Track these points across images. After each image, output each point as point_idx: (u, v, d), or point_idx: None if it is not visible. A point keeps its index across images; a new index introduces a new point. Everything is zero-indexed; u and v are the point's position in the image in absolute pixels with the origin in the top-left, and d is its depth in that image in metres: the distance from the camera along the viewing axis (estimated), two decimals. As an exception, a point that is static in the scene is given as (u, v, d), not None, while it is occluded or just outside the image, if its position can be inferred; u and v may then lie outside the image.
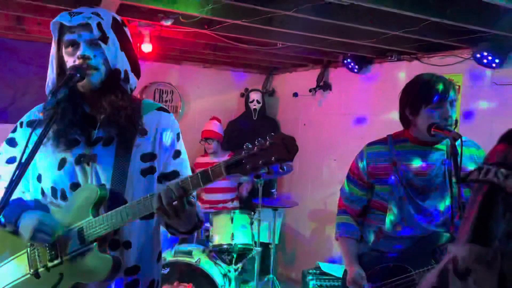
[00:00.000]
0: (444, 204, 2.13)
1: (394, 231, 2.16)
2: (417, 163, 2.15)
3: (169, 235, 3.72)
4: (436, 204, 2.13)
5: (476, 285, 0.78)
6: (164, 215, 1.46)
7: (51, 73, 1.65)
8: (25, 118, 1.73)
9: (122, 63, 1.62)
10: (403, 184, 2.14)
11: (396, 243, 2.17)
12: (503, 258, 0.73)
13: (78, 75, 1.52)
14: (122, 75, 1.62)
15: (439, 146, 2.17)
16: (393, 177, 2.16)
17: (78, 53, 1.55)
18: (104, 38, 1.57)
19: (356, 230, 2.31)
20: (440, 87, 2.08)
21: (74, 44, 1.57)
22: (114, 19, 1.63)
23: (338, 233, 2.35)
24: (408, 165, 2.16)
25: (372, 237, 2.25)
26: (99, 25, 1.56)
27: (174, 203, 1.43)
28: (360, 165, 2.26)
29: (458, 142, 1.93)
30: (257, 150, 1.37)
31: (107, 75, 1.59)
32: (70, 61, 1.58)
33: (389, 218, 2.17)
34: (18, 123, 1.73)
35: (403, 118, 2.22)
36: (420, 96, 2.11)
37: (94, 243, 1.54)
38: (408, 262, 2.11)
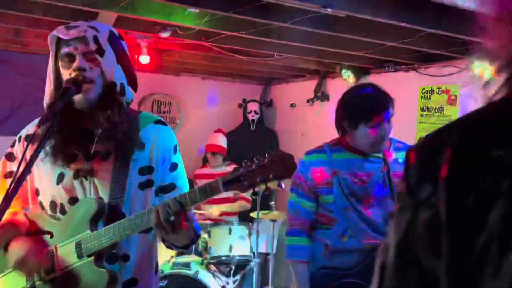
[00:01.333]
0: (387, 212, 2.11)
1: (341, 243, 2.13)
2: (356, 171, 2.13)
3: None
4: (379, 213, 2.12)
5: None
6: (162, 231, 1.46)
7: (49, 87, 1.65)
8: (23, 132, 1.73)
9: (118, 76, 1.62)
10: (345, 194, 2.12)
11: (345, 257, 2.12)
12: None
13: (74, 87, 1.52)
14: (118, 88, 1.62)
15: (378, 154, 2.15)
16: (335, 187, 2.13)
17: (74, 65, 1.56)
18: (100, 51, 1.57)
19: (308, 251, 2.21)
20: (378, 105, 2.06)
21: (70, 57, 1.57)
22: (111, 32, 1.64)
23: (288, 256, 2.26)
24: (347, 174, 2.13)
25: (320, 254, 2.19)
26: (95, 38, 1.56)
27: (171, 218, 1.43)
28: (305, 176, 2.20)
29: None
30: (256, 167, 1.38)
31: (103, 89, 1.59)
32: (66, 74, 1.58)
33: (335, 229, 2.14)
34: (16, 138, 1.73)
35: (339, 127, 2.20)
36: (360, 112, 2.08)
37: (91, 257, 1.53)
38: (360, 277, 2.07)
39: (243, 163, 1.41)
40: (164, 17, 3.00)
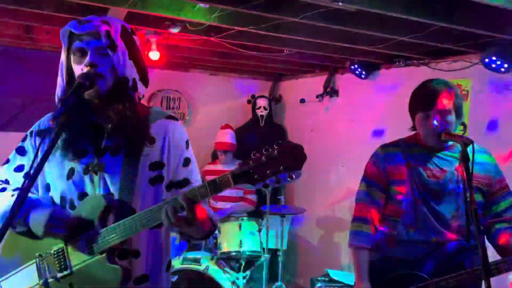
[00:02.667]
0: (457, 211, 2.11)
1: (407, 234, 2.15)
2: (430, 167, 2.15)
3: (177, 241, 3.73)
4: (449, 209, 2.12)
5: None
6: (175, 227, 1.46)
7: (61, 82, 1.66)
8: (35, 128, 1.74)
9: (130, 72, 1.62)
10: (418, 186, 2.14)
11: (409, 249, 2.14)
12: None
13: (88, 83, 1.53)
14: (130, 84, 1.62)
15: (451, 152, 2.17)
16: (408, 178, 2.15)
17: (86, 60, 1.56)
18: (113, 46, 1.57)
19: (370, 238, 2.24)
20: (427, 96, 2.09)
21: (82, 52, 1.57)
22: (123, 27, 1.63)
23: (351, 240, 2.30)
24: (422, 168, 2.16)
25: (384, 244, 2.22)
26: (107, 33, 1.56)
27: (183, 213, 1.43)
28: (379, 165, 2.24)
29: (470, 148, 1.91)
30: (265, 160, 1.35)
31: (114, 83, 1.59)
32: (77, 69, 1.58)
33: (402, 220, 2.16)
34: (28, 132, 1.74)
35: (413, 123, 2.23)
36: (413, 101, 2.16)
37: (104, 254, 1.54)
38: (422, 269, 2.08)
39: (252, 155, 1.38)
40: (174, 13, 3.00)
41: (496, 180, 2.16)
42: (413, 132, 2.27)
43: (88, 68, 1.55)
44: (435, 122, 2.06)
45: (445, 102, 2.07)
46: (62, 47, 1.65)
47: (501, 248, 2.10)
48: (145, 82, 1.71)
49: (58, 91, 1.66)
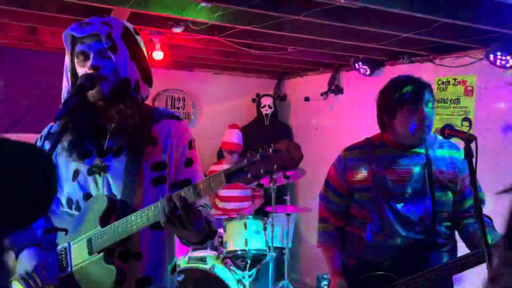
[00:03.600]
0: (423, 210, 2.08)
1: (375, 241, 2.13)
2: (396, 168, 2.11)
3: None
4: (415, 209, 2.09)
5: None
6: (170, 226, 1.43)
7: (66, 84, 1.67)
8: (44, 132, 1.75)
9: (133, 73, 1.62)
10: (382, 193, 2.10)
11: (379, 253, 2.12)
12: None
13: (88, 83, 1.53)
14: (133, 85, 1.62)
15: (418, 149, 2.13)
16: (372, 184, 2.12)
17: (88, 63, 1.57)
18: (114, 48, 1.57)
19: (337, 238, 2.27)
20: (413, 88, 2.05)
21: (85, 55, 1.58)
22: (124, 28, 1.64)
23: (319, 241, 2.33)
24: (386, 172, 2.11)
25: (354, 245, 2.21)
26: (108, 35, 1.57)
27: (178, 213, 1.40)
28: (339, 172, 2.23)
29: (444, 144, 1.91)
30: (259, 158, 1.32)
31: (116, 84, 1.59)
32: (81, 72, 1.60)
33: (370, 227, 2.14)
34: (38, 137, 1.76)
35: (380, 122, 2.19)
36: (394, 98, 2.07)
37: (101, 253, 1.53)
38: (394, 271, 2.06)
39: (247, 153, 1.35)
40: (177, 13, 3.00)
41: (462, 176, 2.12)
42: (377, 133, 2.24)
43: (91, 71, 1.56)
44: (425, 114, 2.02)
45: (429, 95, 2.06)
46: (62, 48, 1.66)
47: (471, 242, 2.08)
48: (149, 82, 1.70)
49: (64, 93, 1.67)
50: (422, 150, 2.12)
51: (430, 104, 2.06)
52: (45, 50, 4.49)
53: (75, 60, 1.61)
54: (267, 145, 1.35)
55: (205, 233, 1.59)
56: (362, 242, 2.16)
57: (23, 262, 1.58)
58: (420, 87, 2.07)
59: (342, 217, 2.28)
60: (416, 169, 2.10)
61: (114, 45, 1.57)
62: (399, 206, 2.09)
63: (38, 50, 4.54)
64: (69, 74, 1.65)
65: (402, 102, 2.05)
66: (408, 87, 2.07)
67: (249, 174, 1.33)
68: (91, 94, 1.57)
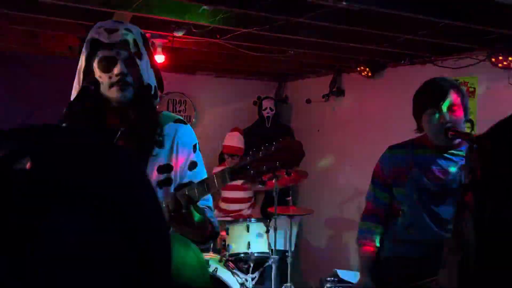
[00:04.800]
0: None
1: (405, 234, 2.19)
2: (432, 168, 2.17)
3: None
4: (447, 209, 2.14)
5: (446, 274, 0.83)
6: (173, 224, 1.46)
7: (77, 86, 1.67)
8: None
9: (152, 79, 1.66)
10: (417, 189, 2.16)
11: (411, 248, 2.17)
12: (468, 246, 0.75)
13: (92, 87, 1.55)
14: (153, 91, 1.66)
15: (456, 151, 2.17)
16: (409, 181, 2.19)
17: (116, 70, 1.57)
18: (139, 55, 1.61)
19: (376, 236, 2.32)
20: (433, 92, 2.10)
21: (111, 60, 1.58)
22: (143, 35, 1.68)
23: (358, 237, 2.40)
24: (424, 170, 2.17)
25: (388, 243, 2.28)
26: (134, 42, 1.60)
27: (182, 211, 1.43)
28: (384, 167, 2.31)
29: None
30: (262, 156, 1.36)
31: (137, 90, 1.62)
32: (104, 77, 1.59)
33: (401, 220, 2.21)
34: None
35: (417, 125, 2.24)
36: (418, 101, 2.15)
37: None
38: (424, 268, 2.10)
39: (250, 152, 1.39)
40: (179, 16, 3.01)
41: None
42: (420, 134, 2.28)
43: (118, 77, 1.57)
44: (446, 117, 2.05)
45: (454, 97, 2.08)
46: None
47: None
48: (161, 88, 1.75)
49: (73, 95, 1.68)
50: (462, 152, 2.16)
51: (454, 107, 2.07)
52: (46, 54, 4.50)
53: (96, 64, 1.60)
54: (270, 143, 1.37)
55: (208, 233, 1.62)
56: (394, 240, 2.24)
57: None
58: (442, 90, 2.10)
59: (385, 213, 2.34)
60: (453, 170, 2.15)
61: (139, 52, 1.61)
62: (432, 203, 2.15)
63: (40, 54, 4.55)
64: (81, 76, 1.65)
65: (423, 105, 2.12)
66: (429, 90, 2.12)
67: (252, 171, 1.36)
68: (116, 99, 1.58)
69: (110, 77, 1.58)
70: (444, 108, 2.06)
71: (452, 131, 1.99)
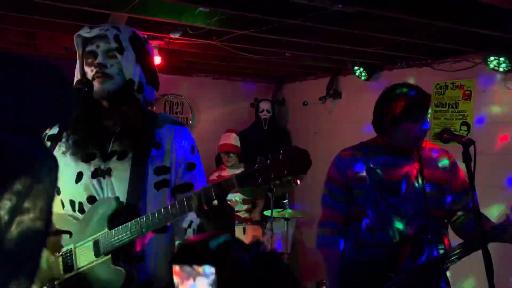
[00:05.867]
0: (419, 208, 2.15)
1: (371, 236, 2.18)
2: (390, 167, 2.20)
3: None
4: (410, 207, 2.15)
5: None
6: (204, 217, 1.45)
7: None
8: (47, 132, 1.75)
9: (137, 75, 1.66)
10: (378, 187, 2.17)
11: (375, 251, 2.16)
12: None
13: (86, 88, 1.57)
14: (136, 86, 1.65)
15: (409, 152, 2.22)
16: (368, 181, 2.19)
17: (95, 62, 1.61)
18: (121, 49, 1.62)
19: (338, 242, 2.29)
20: (419, 101, 2.14)
21: (92, 54, 1.63)
22: (134, 33, 1.69)
23: (318, 245, 2.36)
24: (382, 169, 2.20)
25: (350, 249, 2.25)
26: (116, 36, 1.62)
27: (214, 202, 1.43)
28: (341, 170, 2.29)
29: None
30: (270, 163, 1.38)
31: (120, 85, 1.63)
32: (88, 71, 1.64)
33: (365, 221, 2.20)
34: None
35: (378, 126, 2.26)
36: (402, 111, 2.13)
37: (109, 255, 1.54)
38: (388, 269, 2.11)
39: (257, 159, 1.41)
40: (175, 17, 3.00)
41: (455, 178, 2.24)
42: (373, 136, 2.33)
43: (97, 68, 1.60)
44: (424, 128, 2.13)
45: (429, 110, 2.18)
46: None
47: (468, 236, 2.16)
48: (155, 85, 1.75)
49: None
50: (412, 152, 2.22)
51: (429, 115, 2.14)
52: (43, 54, 4.49)
53: (85, 62, 1.66)
54: (266, 149, 1.39)
55: (233, 230, 1.61)
56: (358, 245, 2.22)
57: None
58: (426, 99, 2.16)
59: (344, 217, 2.32)
60: (409, 167, 2.18)
61: (121, 47, 1.63)
62: (393, 201, 2.16)
63: (36, 55, 4.54)
64: (79, 76, 1.68)
65: (409, 116, 2.12)
66: (414, 98, 2.14)
67: (260, 179, 1.38)
68: (97, 92, 1.60)
69: (91, 70, 1.62)
70: (423, 121, 2.12)
71: (447, 134, 2.00)
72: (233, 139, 4.90)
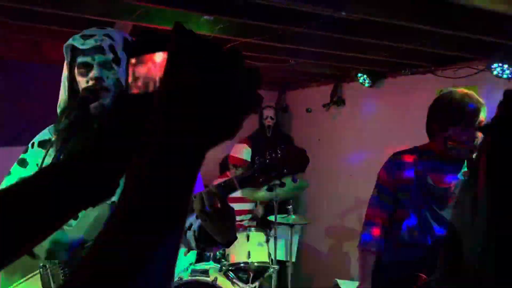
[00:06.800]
0: None
1: (410, 237, 2.23)
2: (439, 174, 2.23)
3: (185, 253, 3.69)
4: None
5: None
6: (206, 219, 1.43)
7: (63, 94, 1.68)
8: (36, 139, 1.75)
9: None
10: (423, 192, 2.21)
11: (414, 252, 2.21)
12: None
13: (92, 96, 1.55)
14: None
15: (461, 158, 2.24)
16: (414, 185, 2.23)
17: (91, 74, 1.58)
18: (117, 60, 1.60)
19: (378, 242, 2.34)
20: (471, 110, 2.15)
21: (87, 66, 1.60)
22: (125, 39, 1.66)
23: (360, 243, 2.41)
24: (430, 175, 2.23)
25: (390, 248, 2.31)
26: (111, 47, 1.59)
27: (218, 205, 1.41)
28: (390, 172, 2.34)
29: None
30: (269, 163, 1.40)
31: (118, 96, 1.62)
32: (82, 82, 1.61)
33: (406, 223, 2.25)
34: (29, 144, 1.75)
35: (429, 130, 2.28)
36: (450, 116, 2.17)
37: None
38: (423, 271, 2.13)
39: (255, 159, 1.42)
40: (179, 25, 3.02)
41: None
42: (427, 141, 2.34)
43: (94, 81, 1.57)
44: (475, 135, 2.14)
45: (482, 115, 2.18)
46: (63, 59, 1.68)
47: None
48: None
49: (60, 103, 1.69)
50: (464, 159, 2.23)
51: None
52: (47, 62, 4.52)
53: (76, 71, 1.62)
54: (275, 151, 1.42)
55: (234, 233, 1.57)
56: (398, 244, 2.27)
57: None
58: (477, 108, 2.17)
59: (388, 218, 2.36)
60: (457, 175, 2.22)
61: (117, 57, 1.60)
62: (436, 206, 2.21)
63: (42, 64, 4.57)
64: (66, 84, 1.66)
65: (456, 122, 2.15)
66: (467, 108, 2.16)
67: (260, 179, 1.40)
68: (93, 107, 1.58)
69: (87, 82, 1.59)
70: (476, 125, 2.15)
71: (450, 141, 2.02)
72: (245, 154, 4.88)
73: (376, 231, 2.36)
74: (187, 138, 0.53)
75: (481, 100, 2.24)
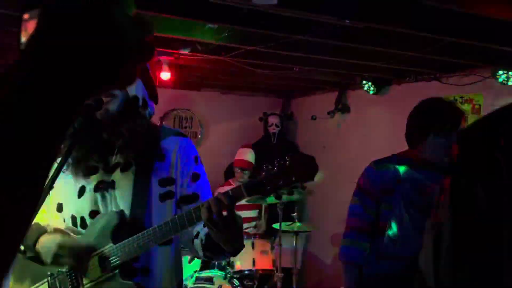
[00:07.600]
0: None
1: (392, 248, 2.18)
2: (420, 183, 2.18)
3: (189, 261, 3.68)
4: None
5: None
6: (213, 228, 1.43)
7: None
8: None
9: (140, 90, 1.65)
10: (405, 202, 2.17)
11: (395, 264, 2.17)
12: None
13: (95, 104, 1.55)
14: (140, 102, 1.65)
15: (441, 166, 2.19)
16: (397, 195, 2.19)
17: None
18: None
19: (361, 254, 2.27)
20: (451, 116, 2.14)
21: None
22: None
23: (342, 256, 2.34)
24: (411, 184, 2.19)
25: (373, 260, 2.25)
26: None
27: (224, 214, 1.41)
28: (372, 181, 2.28)
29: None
30: (277, 171, 1.38)
31: (124, 102, 1.61)
32: None
33: (388, 234, 2.20)
34: None
35: (410, 138, 2.26)
36: (430, 123, 2.15)
37: (117, 270, 1.53)
38: (406, 283, 2.10)
39: (264, 166, 1.40)
40: (184, 34, 3.04)
41: None
42: (405, 149, 2.32)
43: None
44: (449, 144, 2.11)
45: (462, 123, 2.15)
46: None
47: None
48: (154, 99, 1.73)
49: None
50: (445, 166, 2.18)
51: None
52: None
53: None
54: (283, 158, 1.39)
55: (241, 242, 1.58)
56: (380, 256, 2.22)
57: (46, 246, 1.54)
58: (459, 115, 2.15)
59: (370, 227, 2.30)
60: (438, 183, 2.16)
61: None
62: (419, 217, 2.15)
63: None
64: None
65: (437, 129, 2.13)
66: (447, 115, 2.15)
67: (268, 187, 1.38)
68: (100, 112, 1.58)
69: None
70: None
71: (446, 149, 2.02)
72: (250, 157, 4.89)
73: (358, 243, 2.28)
74: (60, 80, 0.50)
75: (462, 107, 2.23)
